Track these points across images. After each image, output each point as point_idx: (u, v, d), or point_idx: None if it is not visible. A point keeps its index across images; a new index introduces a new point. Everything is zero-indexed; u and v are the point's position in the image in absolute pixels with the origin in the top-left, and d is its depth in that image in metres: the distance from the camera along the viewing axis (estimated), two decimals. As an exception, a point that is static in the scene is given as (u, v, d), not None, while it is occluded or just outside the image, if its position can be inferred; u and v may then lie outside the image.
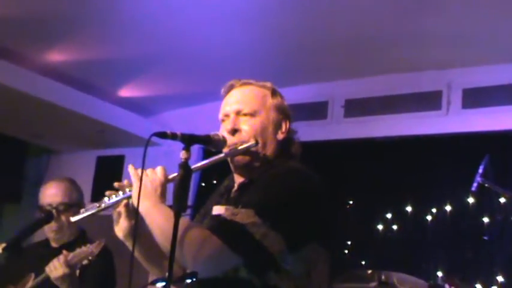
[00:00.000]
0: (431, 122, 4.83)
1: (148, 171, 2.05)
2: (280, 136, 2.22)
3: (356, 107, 5.17)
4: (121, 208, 2.16)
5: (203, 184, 5.73)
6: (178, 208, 1.88)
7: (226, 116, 2.22)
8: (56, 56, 5.08)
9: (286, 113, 2.26)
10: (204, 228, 2.00)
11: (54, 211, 3.22)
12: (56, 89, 5.26)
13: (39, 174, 6.55)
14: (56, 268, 2.88)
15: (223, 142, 2.14)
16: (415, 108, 4.91)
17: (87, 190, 6.12)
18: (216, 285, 1.99)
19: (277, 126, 2.22)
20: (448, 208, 4.68)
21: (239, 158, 2.17)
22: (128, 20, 4.47)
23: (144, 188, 1.99)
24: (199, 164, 2.12)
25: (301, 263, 2.02)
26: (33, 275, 3.11)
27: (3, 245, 3.00)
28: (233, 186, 2.24)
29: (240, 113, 2.19)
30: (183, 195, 1.92)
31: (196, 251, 1.90)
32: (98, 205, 2.16)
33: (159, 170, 2.07)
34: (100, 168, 6.54)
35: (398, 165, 4.90)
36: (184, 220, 1.90)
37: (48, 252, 3.21)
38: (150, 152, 1.96)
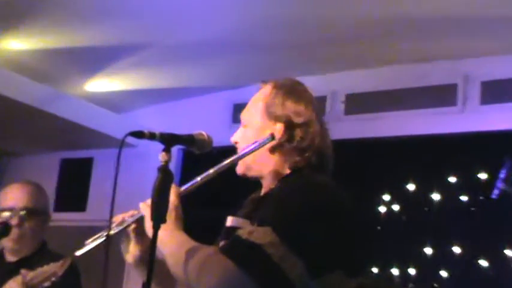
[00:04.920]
0: (445, 119, 4.63)
1: None
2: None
3: (358, 103, 4.97)
4: (131, 234, 2.17)
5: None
6: (157, 219, 1.85)
7: None
8: (13, 44, 4.86)
9: (277, 115, 2.12)
10: (214, 248, 1.97)
11: (16, 218, 2.98)
12: (14, 82, 5.07)
13: (-4, 178, 6.45)
14: None
15: (208, 142, 2.08)
16: (425, 104, 4.69)
17: (49, 197, 5.92)
18: None
19: (261, 134, 2.14)
20: (465, 218, 4.70)
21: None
22: (96, 3, 4.28)
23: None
24: (204, 175, 2.08)
25: None
26: None
27: None
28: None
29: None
30: (163, 203, 1.88)
31: (205, 275, 1.86)
32: (105, 233, 2.11)
33: (171, 190, 1.97)
34: (64, 173, 6.40)
35: (406, 168, 4.91)
36: (190, 242, 1.95)
37: (2, 268, 3.04)
38: (123, 153, 1.93)
